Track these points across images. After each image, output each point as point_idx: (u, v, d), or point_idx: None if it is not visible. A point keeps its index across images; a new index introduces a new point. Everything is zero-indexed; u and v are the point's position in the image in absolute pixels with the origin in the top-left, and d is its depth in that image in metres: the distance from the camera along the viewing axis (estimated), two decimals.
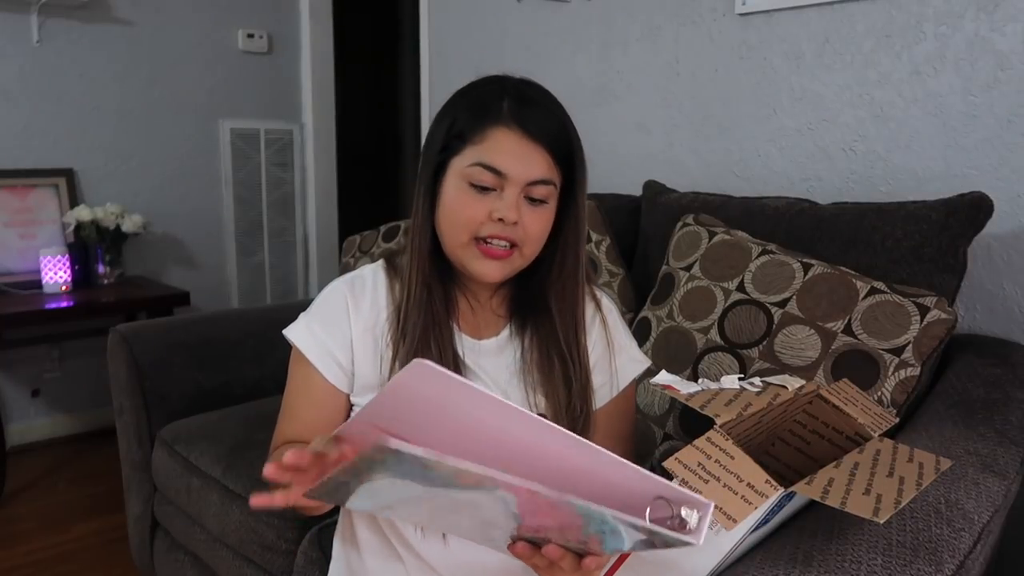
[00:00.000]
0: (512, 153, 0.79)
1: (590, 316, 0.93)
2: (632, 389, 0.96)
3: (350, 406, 0.90)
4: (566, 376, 0.87)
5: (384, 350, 0.86)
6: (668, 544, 0.52)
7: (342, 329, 0.87)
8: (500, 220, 0.79)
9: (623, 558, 0.75)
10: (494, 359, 0.89)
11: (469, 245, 0.82)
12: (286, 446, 0.87)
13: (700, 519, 0.51)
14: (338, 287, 0.90)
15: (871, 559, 0.65)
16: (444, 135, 0.83)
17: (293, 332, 0.89)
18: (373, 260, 1.76)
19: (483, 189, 0.80)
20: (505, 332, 0.91)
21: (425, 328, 0.85)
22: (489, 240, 0.81)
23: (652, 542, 0.52)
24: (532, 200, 0.81)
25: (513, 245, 0.82)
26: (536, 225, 0.82)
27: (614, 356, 0.93)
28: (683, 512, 0.52)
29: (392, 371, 0.85)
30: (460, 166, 0.81)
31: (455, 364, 0.86)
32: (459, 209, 0.81)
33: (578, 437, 0.52)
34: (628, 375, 0.94)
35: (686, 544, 0.51)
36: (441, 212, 0.84)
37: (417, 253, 0.86)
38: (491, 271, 0.82)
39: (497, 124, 0.80)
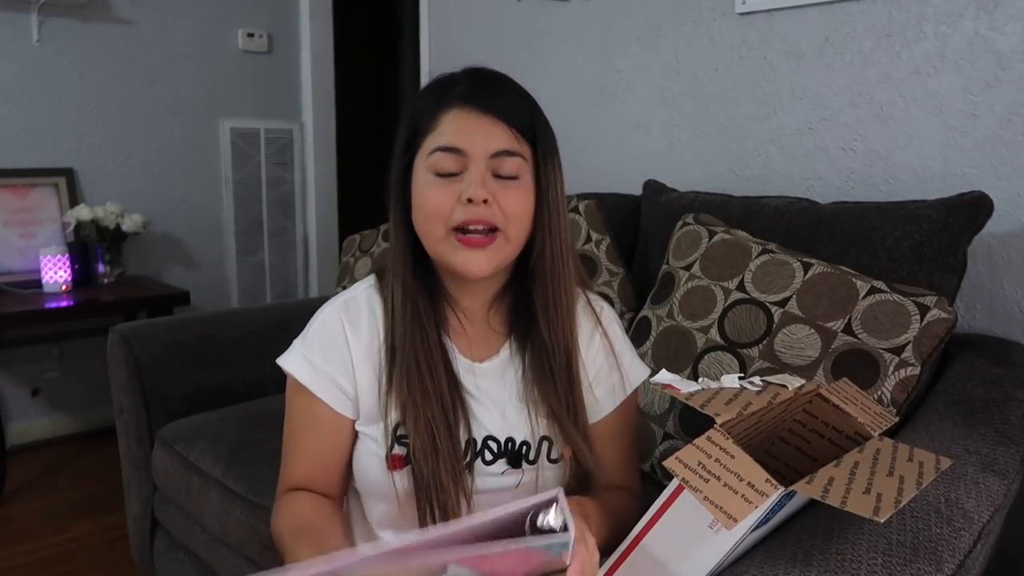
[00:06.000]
0: (467, 130, 0.77)
1: (590, 330, 0.90)
2: (634, 399, 0.94)
3: (356, 434, 0.86)
4: (565, 390, 0.84)
5: (381, 375, 0.83)
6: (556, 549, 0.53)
7: (342, 356, 0.83)
8: (470, 201, 0.75)
9: (622, 558, 0.75)
10: (496, 381, 0.86)
11: (447, 238, 0.78)
12: (297, 495, 0.84)
13: (559, 511, 0.54)
14: (333, 312, 0.85)
15: (871, 558, 0.65)
16: (405, 135, 0.82)
17: (289, 363, 0.84)
18: (373, 260, 1.77)
19: (448, 175, 0.77)
20: (505, 352, 0.87)
21: (413, 347, 0.81)
22: (466, 228, 0.77)
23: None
24: (502, 177, 0.77)
25: (494, 229, 0.77)
26: (513, 202, 0.77)
27: (615, 368, 0.90)
28: (540, 522, 0.54)
29: (388, 397, 0.82)
30: (423, 159, 0.79)
31: (451, 385, 0.82)
32: (428, 200, 0.78)
33: (449, 526, 0.51)
34: (630, 385, 0.92)
35: (566, 539, 0.53)
36: (415, 212, 0.80)
37: (399, 262, 0.83)
38: (475, 261, 0.77)
39: (450, 107, 0.78)
